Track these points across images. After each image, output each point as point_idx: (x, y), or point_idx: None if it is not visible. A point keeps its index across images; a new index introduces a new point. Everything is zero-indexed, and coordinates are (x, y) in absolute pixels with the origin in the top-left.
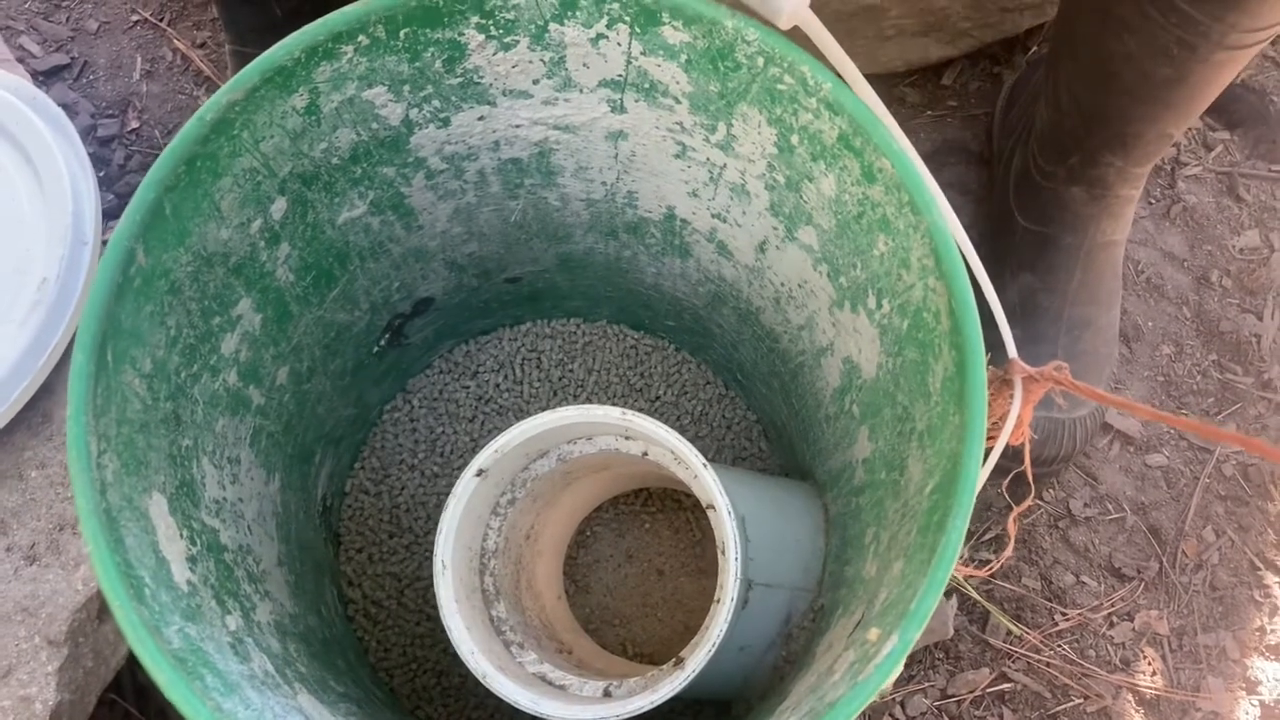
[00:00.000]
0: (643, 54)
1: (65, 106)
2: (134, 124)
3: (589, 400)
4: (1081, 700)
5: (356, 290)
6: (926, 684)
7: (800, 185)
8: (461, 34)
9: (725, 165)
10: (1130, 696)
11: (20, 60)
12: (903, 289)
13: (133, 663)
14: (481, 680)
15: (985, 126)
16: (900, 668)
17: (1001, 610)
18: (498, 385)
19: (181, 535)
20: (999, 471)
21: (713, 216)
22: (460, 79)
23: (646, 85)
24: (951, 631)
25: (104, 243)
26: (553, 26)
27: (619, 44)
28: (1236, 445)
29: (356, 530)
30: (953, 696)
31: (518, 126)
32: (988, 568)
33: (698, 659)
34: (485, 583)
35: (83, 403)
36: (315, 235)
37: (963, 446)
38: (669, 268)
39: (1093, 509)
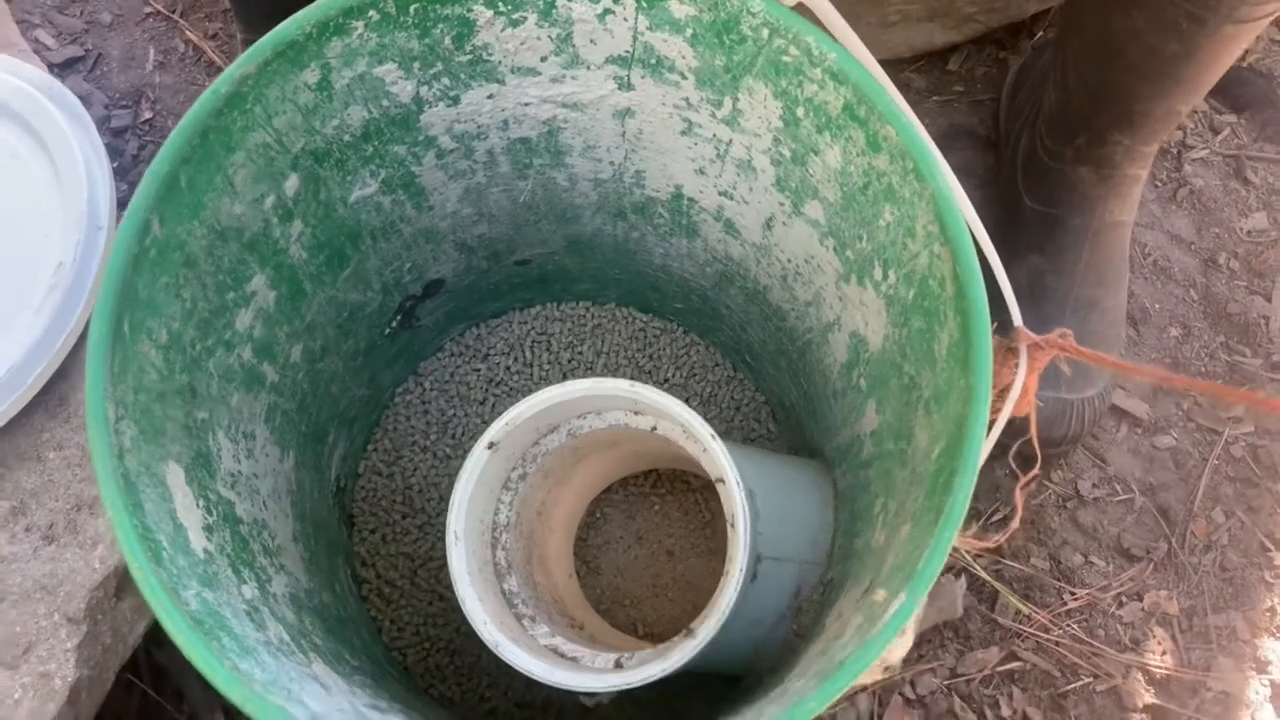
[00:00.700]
0: (649, 29)
1: (80, 97)
2: (147, 115)
3: None
4: (1091, 679)
5: (368, 270)
6: (936, 663)
7: (806, 158)
8: (470, 10)
9: (731, 141)
10: (1140, 676)
11: (36, 53)
12: (908, 258)
13: (149, 644)
14: (494, 650)
15: (991, 112)
16: (911, 640)
17: (1010, 590)
18: (508, 368)
19: (198, 505)
20: (1004, 450)
21: (720, 194)
22: (469, 56)
23: (653, 61)
24: (961, 611)
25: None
26: (560, 2)
27: (625, 19)
28: (1244, 402)
29: (370, 511)
30: (962, 676)
31: (526, 105)
32: (996, 539)
33: (708, 629)
34: (497, 556)
35: (101, 369)
36: (328, 213)
37: (968, 408)
38: (677, 248)
39: (1101, 490)
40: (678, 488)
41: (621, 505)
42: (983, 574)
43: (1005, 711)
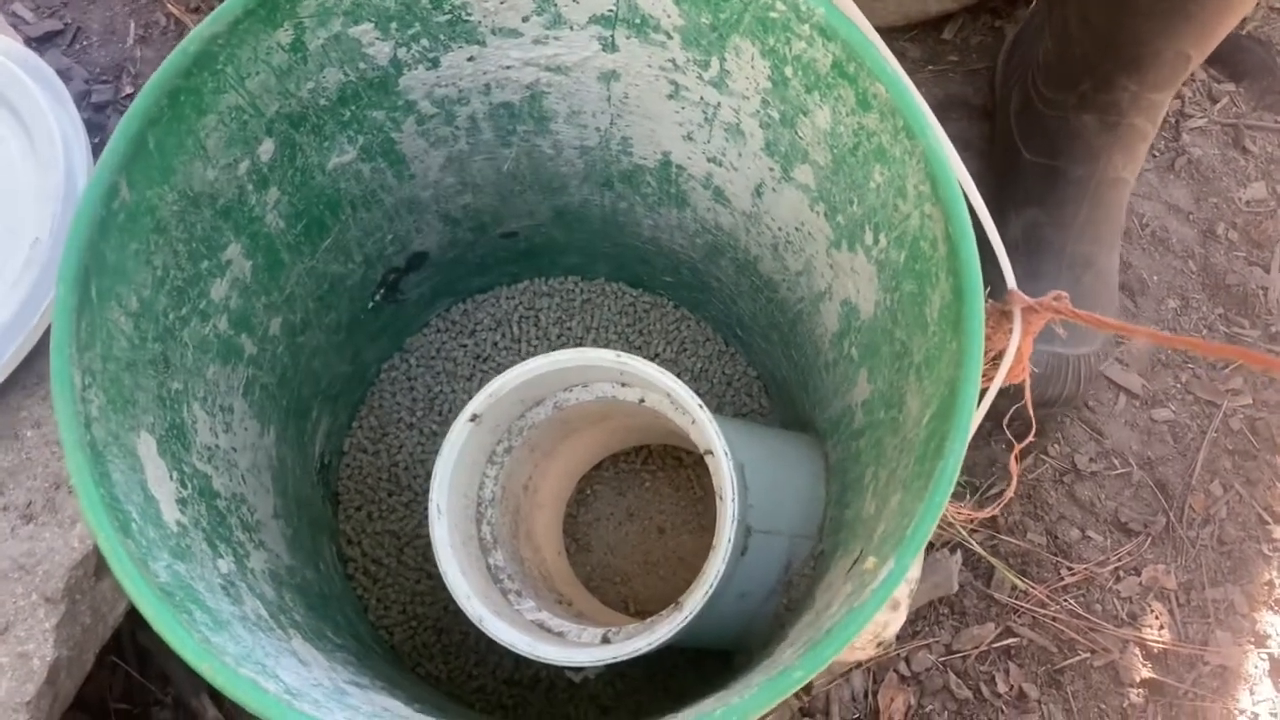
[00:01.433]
0: None
1: (59, 72)
2: (128, 89)
3: None
4: (1088, 654)
5: (349, 241)
6: (931, 639)
7: (795, 120)
8: None
9: (719, 104)
10: (1138, 650)
11: (13, 27)
12: (899, 220)
13: (133, 625)
14: (478, 625)
15: (987, 80)
16: (905, 615)
17: (1007, 565)
18: (495, 343)
19: (171, 477)
20: (998, 414)
21: (708, 160)
22: (448, 16)
23: (637, 20)
24: (956, 587)
25: None
26: None
27: None
28: (1239, 359)
29: (355, 489)
30: (958, 652)
31: (508, 68)
32: (990, 509)
33: (695, 601)
34: (482, 531)
35: (66, 335)
36: (305, 180)
37: (960, 371)
38: (666, 219)
39: (1098, 464)
40: (669, 464)
41: (612, 482)
42: (979, 549)
43: (1001, 687)
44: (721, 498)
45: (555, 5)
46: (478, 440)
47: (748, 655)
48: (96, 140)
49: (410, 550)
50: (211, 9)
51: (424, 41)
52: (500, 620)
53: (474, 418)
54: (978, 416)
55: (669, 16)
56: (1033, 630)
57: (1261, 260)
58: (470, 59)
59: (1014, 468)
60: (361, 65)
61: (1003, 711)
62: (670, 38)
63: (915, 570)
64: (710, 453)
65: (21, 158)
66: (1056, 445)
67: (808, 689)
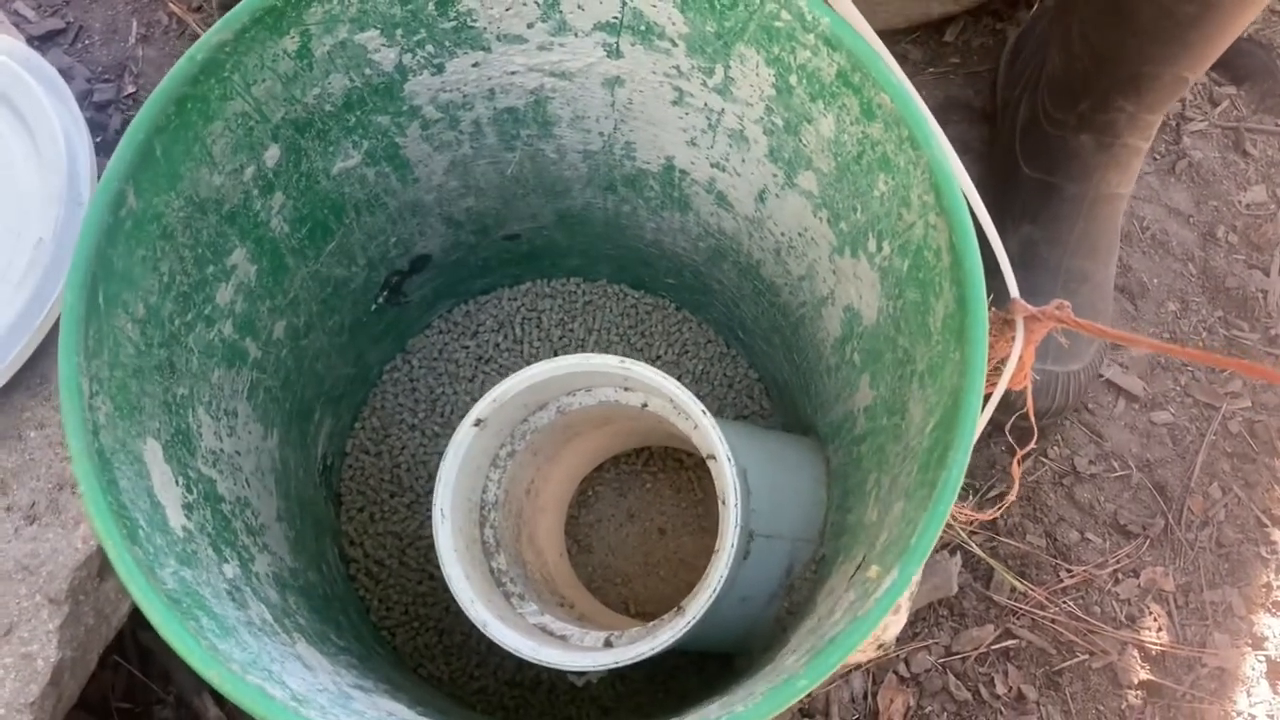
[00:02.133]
0: None
1: (61, 71)
2: (130, 89)
3: None
4: (1087, 656)
5: (353, 245)
6: (931, 641)
7: (799, 128)
8: None
9: (723, 110)
10: (1136, 652)
11: (15, 25)
12: (903, 229)
13: (135, 624)
14: (481, 629)
15: (989, 83)
16: (905, 618)
17: (1006, 567)
18: (497, 345)
19: (177, 482)
20: (995, 425)
21: (711, 166)
22: (453, 22)
23: (642, 27)
24: (956, 588)
25: None
26: None
27: None
28: (1239, 370)
29: (357, 490)
30: (957, 653)
31: (513, 74)
32: (992, 511)
33: (698, 605)
34: (485, 534)
35: (74, 343)
36: (309, 185)
37: (964, 380)
38: (668, 222)
39: (1098, 466)
40: (670, 465)
41: (613, 483)
42: (978, 551)
43: (1000, 689)
44: (724, 503)
45: (560, 12)
46: (481, 444)
47: (749, 658)
48: (99, 139)
49: (412, 551)
50: (213, 9)
51: (429, 48)
52: (504, 625)
53: (478, 422)
54: (980, 423)
55: (674, 24)
56: (1031, 632)
57: (1261, 263)
58: (475, 65)
59: (1015, 472)
60: (367, 71)
61: (1001, 713)
62: (675, 45)
63: (915, 575)
64: (713, 458)
65: (24, 158)
66: (1056, 448)
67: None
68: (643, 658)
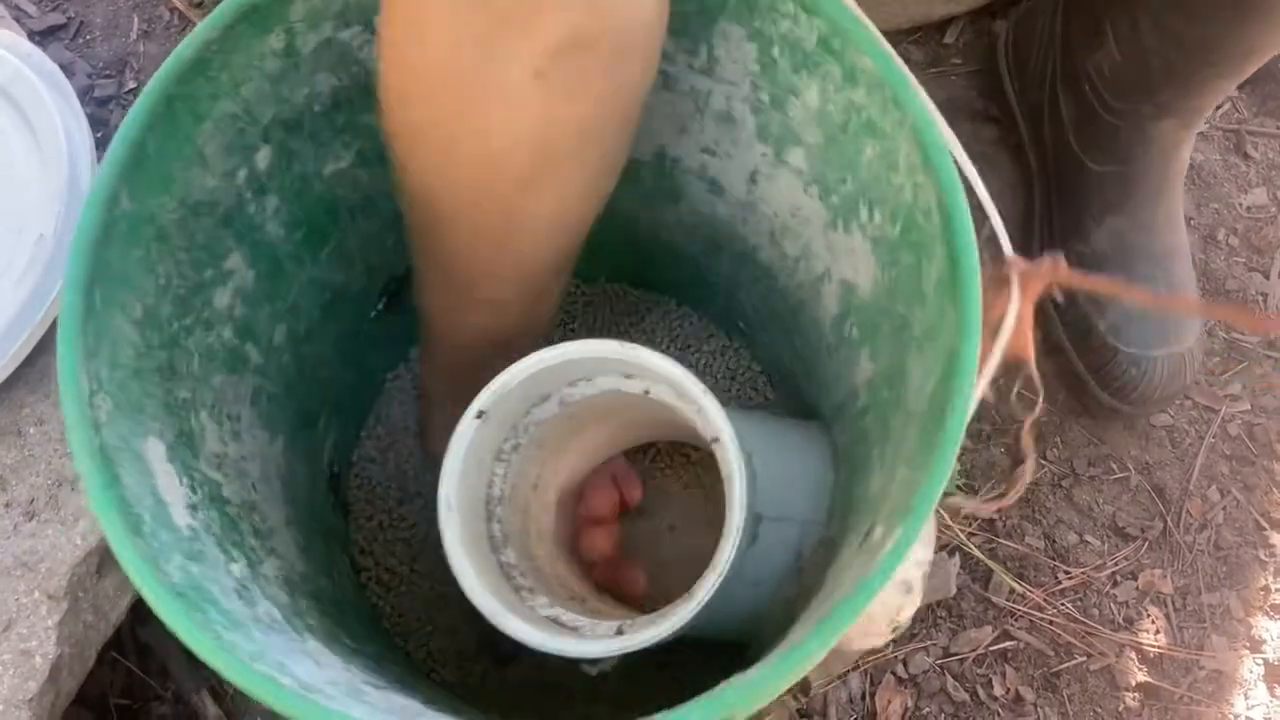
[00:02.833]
0: None
1: (62, 67)
2: (131, 84)
3: None
4: (1085, 658)
5: (350, 249)
6: (929, 642)
7: (785, 101)
8: None
9: (710, 91)
10: (1134, 655)
11: (16, 20)
12: (893, 193)
13: (134, 620)
14: (491, 619)
15: (991, 83)
16: (919, 599)
17: (1005, 569)
18: None
19: (181, 483)
20: (998, 418)
21: (702, 151)
22: None
23: None
24: (954, 590)
25: None
26: None
27: None
28: (1228, 318)
29: (365, 498)
30: (955, 655)
31: None
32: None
33: (706, 588)
34: (493, 529)
35: (73, 342)
36: (303, 188)
37: (959, 337)
38: (662, 216)
39: (1097, 468)
40: (677, 461)
41: None
42: (977, 552)
43: (998, 691)
44: (730, 482)
45: None
46: (485, 437)
47: (761, 647)
48: (99, 135)
49: (423, 559)
50: (215, 4)
51: None
52: (514, 615)
53: (480, 414)
54: (980, 386)
55: None
56: (1030, 634)
57: (1261, 266)
58: None
59: (1026, 443)
60: (354, 69)
61: (999, 714)
62: None
63: (927, 553)
64: (717, 440)
65: (25, 154)
66: (1055, 450)
67: (805, 690)
68: (654, 642)
